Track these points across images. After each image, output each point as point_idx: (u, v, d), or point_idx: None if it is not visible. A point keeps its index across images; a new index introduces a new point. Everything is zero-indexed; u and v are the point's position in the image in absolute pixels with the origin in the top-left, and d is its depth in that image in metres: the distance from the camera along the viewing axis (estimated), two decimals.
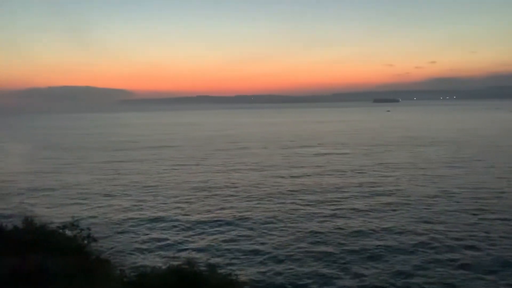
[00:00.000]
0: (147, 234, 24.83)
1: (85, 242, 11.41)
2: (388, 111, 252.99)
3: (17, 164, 57.56)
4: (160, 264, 11.24)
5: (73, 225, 11.63)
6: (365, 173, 44.05)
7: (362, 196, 33.27)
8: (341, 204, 30.75)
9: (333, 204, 30.74)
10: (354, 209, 29.48)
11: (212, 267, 9.13)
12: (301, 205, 30.81)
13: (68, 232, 11.63)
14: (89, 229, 11.66)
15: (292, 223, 26.28)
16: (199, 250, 22.09)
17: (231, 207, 30.52)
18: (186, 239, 23.99)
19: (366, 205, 30.37)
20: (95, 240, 11.51)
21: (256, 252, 21.37)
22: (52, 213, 28.71)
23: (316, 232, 24.29)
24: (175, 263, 9.60)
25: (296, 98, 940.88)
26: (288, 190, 35.72)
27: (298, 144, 74.04)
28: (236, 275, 9.48)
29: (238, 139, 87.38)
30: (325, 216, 27.71)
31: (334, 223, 26.04)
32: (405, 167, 47.08)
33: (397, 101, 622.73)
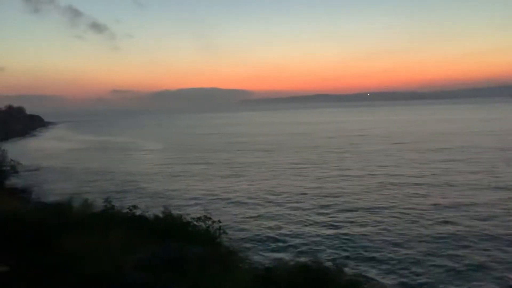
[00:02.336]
0: (275, 231, 25.47)
1: (217, 234, 12.23)
2: None
3: (151, 160, 63.52)
4: (286, 260, 11.59)
5: (206, 217, 12.55)
6: None
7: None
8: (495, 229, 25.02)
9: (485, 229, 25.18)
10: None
11: (339, 266, 9.11)
12: (434, 222, 26.71)
13: (201, 224, 12.56)
14: (220, 222, 12.47)
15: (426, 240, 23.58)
16: (326, 249, 22.10)
17: (360, 216, 28.95)
18: (312, 238, 24.15)
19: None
20: (225, 232, 12.29)
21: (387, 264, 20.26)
22: (185, 206, 31.14)
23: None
24: (302, 259, 9.83)
25: (422, 95, 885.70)
26: (419, 203, 31.50)
27: (428, 147, 65.59)
28: (365, 276, 9.34)
29: (358, 140, 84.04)
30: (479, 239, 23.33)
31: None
32: None
33: None
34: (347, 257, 21.11)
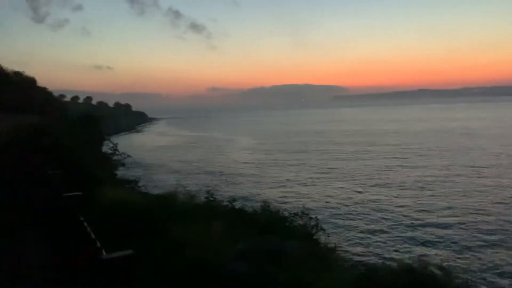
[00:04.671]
0: (373, 230, 24.60)
1: (314, 230, 12.16)
2: None
3: (245, 157, 65.10)
4: (388, 261, 11.15)
5: (303, 214, 12.54)
6: None
7: None
8: None
9: None
10: None
11: (447, 271, 8.51)
12: None
13: (298, 220, 12.57)
14: (317, 218, 12.38)
15: None
16: (432, 251, 20.67)
17: (473, 213, 26.96)
18: (415, 238, 22.90)
19: None
20: (323, 229, 12.16)
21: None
22: (282, 201, 31.26)
23: None
24: (406, 261, 9.38)
25: None
26: None
27: None
28: (474, 283, 8.67)
29: (466, 140, 77.97)
30: None
31: None
32: None
33: None
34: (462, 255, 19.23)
